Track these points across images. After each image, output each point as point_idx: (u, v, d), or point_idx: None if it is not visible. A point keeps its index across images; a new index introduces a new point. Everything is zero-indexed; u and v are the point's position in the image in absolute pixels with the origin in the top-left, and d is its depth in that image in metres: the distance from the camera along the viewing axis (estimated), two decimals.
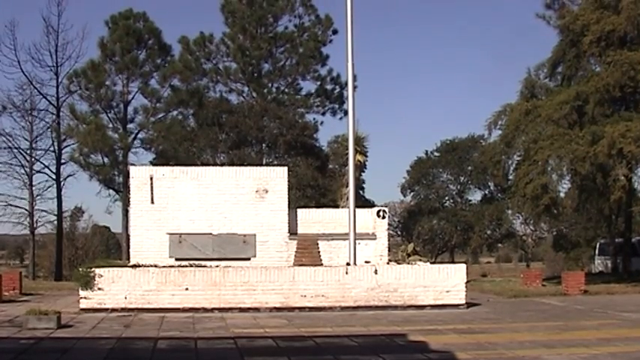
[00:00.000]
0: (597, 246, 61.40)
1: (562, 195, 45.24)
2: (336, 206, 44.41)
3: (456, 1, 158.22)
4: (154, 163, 51.52)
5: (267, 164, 51.87)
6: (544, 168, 39.80)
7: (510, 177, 44.37)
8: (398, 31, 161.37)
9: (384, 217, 34.44)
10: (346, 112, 39.47)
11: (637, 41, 40.16)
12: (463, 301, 26.93)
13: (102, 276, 25.67)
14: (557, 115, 40.08)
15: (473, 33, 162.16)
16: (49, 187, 57.04)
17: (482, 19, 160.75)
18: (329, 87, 58.76)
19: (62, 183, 56.48)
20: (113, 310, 25.33)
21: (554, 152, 39.25)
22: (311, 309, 25.97)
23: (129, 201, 33.44)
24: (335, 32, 57.15)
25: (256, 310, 25.77)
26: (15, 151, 56.29)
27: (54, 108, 56.07)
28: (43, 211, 57.97)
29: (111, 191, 55.99)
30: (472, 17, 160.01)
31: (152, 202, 32.04)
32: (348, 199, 30.98)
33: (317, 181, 54.67)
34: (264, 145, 56.36)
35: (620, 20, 39.17)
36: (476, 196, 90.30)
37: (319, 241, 33.17)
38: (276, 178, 32.68)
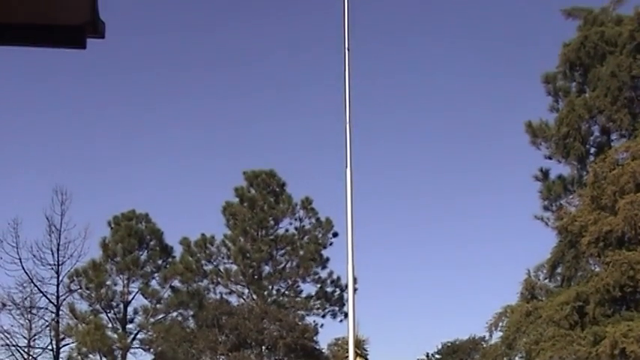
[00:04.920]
0: None
1: None
2: None
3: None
4: None
5: None
6: None
7: None
8: (398, 228, 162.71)
9: None
10: (346, 315, 39.30)
11: (635, 241, 40.41)
12: None
13: None
14: (558, 316, 39.94)
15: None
16: None
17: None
18: (329, 289, 58.55)
19: None
20: None
21: (556, 353, 38.91)
22: None
23: None
24: (335, 235, 57.37)
25: None
26: (13, 348, 55.72)
27: (54, 306, 55.83)
28: None
29: None
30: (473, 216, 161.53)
31: None
32: None
33: None
34: (263, 347, 55.77)
35: (617, 221, 39.57)
36: None
37: None
38: None
